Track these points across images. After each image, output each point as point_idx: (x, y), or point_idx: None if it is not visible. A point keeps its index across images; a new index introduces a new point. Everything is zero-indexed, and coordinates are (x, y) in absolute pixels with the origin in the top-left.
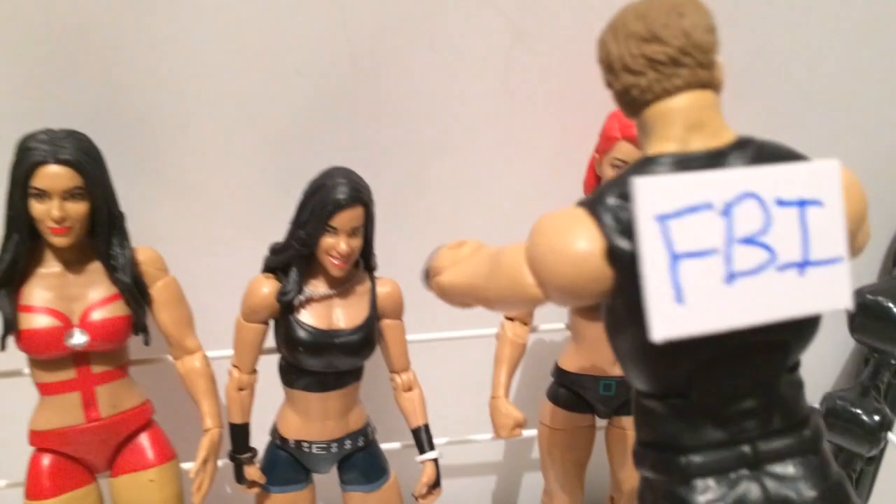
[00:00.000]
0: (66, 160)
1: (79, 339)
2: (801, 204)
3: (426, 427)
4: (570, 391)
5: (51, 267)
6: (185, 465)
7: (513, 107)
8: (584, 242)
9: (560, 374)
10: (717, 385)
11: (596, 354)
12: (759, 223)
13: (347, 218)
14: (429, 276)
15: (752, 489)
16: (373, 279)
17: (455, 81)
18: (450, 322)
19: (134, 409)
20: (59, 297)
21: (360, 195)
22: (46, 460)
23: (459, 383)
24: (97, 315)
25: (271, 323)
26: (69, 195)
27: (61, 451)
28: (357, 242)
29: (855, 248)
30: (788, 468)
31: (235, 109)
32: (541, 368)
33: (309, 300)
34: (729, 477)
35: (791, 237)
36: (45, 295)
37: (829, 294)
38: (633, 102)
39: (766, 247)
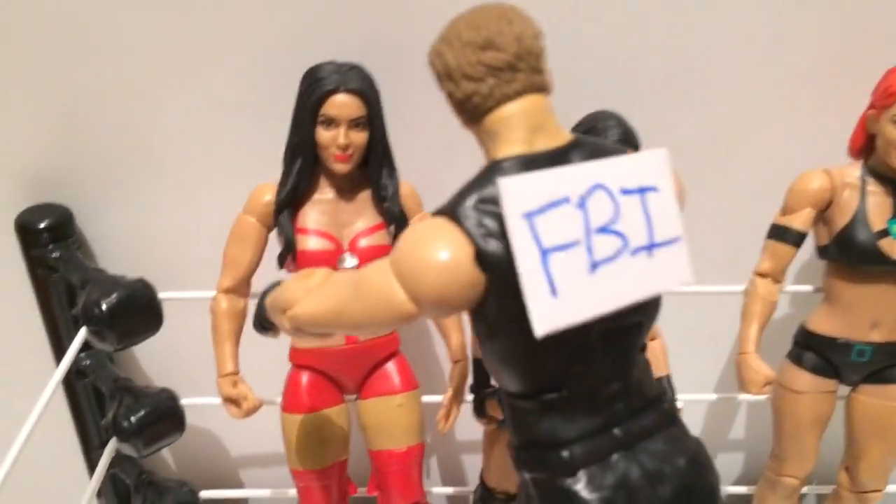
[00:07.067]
0: (354, 90)
1: (350, 262)
2: (642, 191)
3: (668, 378)
4: (817, 354)
5: (325, 193)
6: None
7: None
8: (453, 251)
9: (808, 337)
10: (587, 374)
11: (852, 317)
12: (610, 212)
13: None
14: (276, 311)
15: (631, 469)
16: None
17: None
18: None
19: (385, 337)
20: (332, 222)
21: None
22: (305, 377)
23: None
24: (364, 242)
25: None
26: (354, 124)
27: (317, 370)
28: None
29: None
30: (658, 443)
31: None
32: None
33: None
34: (609, 462)
35: (638, 223)
36: (319, 219)
37: (674, 272)
38: (475, 109)
39: (619, 234)
